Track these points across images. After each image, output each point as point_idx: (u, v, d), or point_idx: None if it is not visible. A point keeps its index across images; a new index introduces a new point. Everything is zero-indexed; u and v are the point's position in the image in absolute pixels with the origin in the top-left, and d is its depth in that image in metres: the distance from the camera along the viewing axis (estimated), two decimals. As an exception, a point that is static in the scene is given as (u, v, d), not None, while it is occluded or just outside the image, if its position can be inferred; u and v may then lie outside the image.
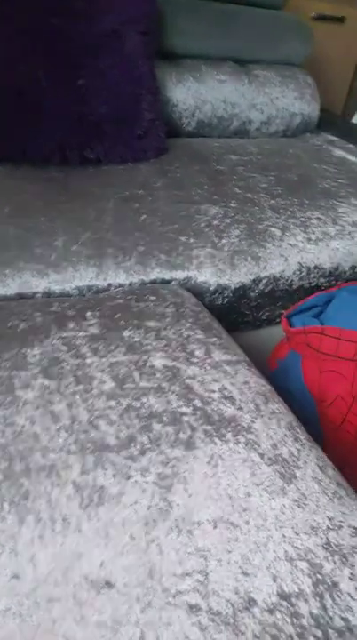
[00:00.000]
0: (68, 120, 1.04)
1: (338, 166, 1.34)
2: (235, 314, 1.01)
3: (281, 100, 1.49)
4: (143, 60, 1.15)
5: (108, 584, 0.42)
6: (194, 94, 1.37)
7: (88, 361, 0.63)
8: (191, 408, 0.59)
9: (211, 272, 0.94)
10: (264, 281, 0.99)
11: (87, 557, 0.43)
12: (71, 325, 0.69)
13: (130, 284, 0.87)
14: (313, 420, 0.79)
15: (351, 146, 1.49)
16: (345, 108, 2.26)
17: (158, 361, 0.65)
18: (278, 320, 1.09)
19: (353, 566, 0.48)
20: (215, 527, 0.48)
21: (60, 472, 0.49)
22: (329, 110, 1.85)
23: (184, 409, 0.59)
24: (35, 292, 0.79)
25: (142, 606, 0.41)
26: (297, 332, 0.82)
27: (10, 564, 0.42)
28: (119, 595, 0.41)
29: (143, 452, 0.53)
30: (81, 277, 0.83)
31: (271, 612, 0.43)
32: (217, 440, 0.56)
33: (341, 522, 0.52)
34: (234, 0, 1.46)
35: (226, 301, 0.97)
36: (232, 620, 0.42)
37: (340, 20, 2.06)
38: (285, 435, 0.60)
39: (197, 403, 0.60)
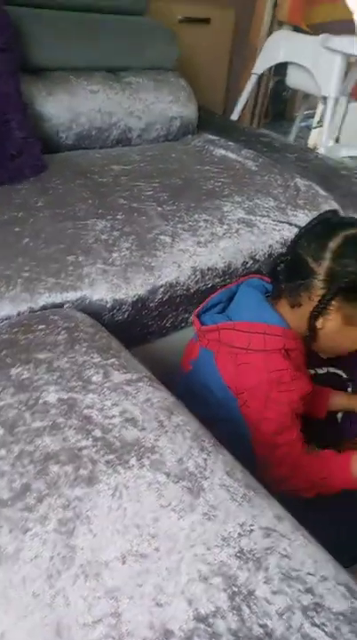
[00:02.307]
0: None
1: (220, 165, 1.38)
2: (138, 326, 1.00)
3: (157, 105, 1.50)
4: (5, 77, 1.10)
5: (11, 656, 0.39)
6: (66, 107, 1.33)
7: (-27, 409, 0.59)
8: (90, 440, 0.57)
9: (106, 288, 0.92)
10: (161, 290, 0.99)
11: (-15, 632, 0.40)
12: None
13: (18, 314, 0.82)
14: (235, 413, 0.80)
15: (230, 143, 1.54)
16: (226, 106, 2.34)
17: (51, 395, 0.62)
18: (183, 325, 1.09)
19: (267, 569, 0.48)
20: (123, 562, 0.46)
21: None
22: (210, 110, 1.90)
23: (83, 442, 0.57)
24: None
25: (51, 670, 0.39)
26: (209, 330, 0.83)
27: None
28: (24, 665, 0.39)
29: (40, 500, 0.50)
30: None
31: (189, 638, 0.42)
32: (120, 468, 0.54)
33: (252, 525, 0.52)
34: (94, 9, 1.44)
35: (126, 316, 0.96)
36: (149, 658, 0.41)
37: (206, 21, 2.13)
38: (190, 446, 0.60)
39: (97, 433, 0.58)
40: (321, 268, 0.75)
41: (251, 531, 0.52)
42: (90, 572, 0.45)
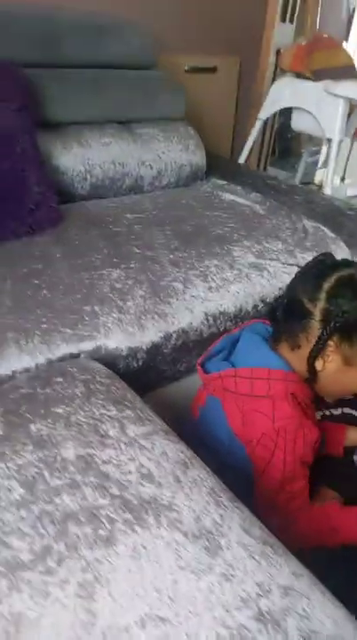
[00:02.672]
0: None
1: (229, 210, 1.42)
2: (153, 372, 1.02)
3: (167, 154, 1.56)
4: (22, 135, 1.16)
5: None
6: (81, 159, 1.39)
7: (-6, 468, 0.60)
8: (108, 499, 0.58)
9: (121, 337, 0.95)
10: (174, 336, 1.01)
11: None
12: (-27, 430, 0.65)
13: (37, 367, 0.85)
14: (242, 461, 0.80)
15: (238, 188, 1.58)
16: (233, 150, 2.41)
17: (70, 452, 0.64)
18: (196, 369, 1.11)
19: (286, 631, 0.48)
20: (143, 627, 0.46)
21: (-29, 609, 0.46)
22: (217, 154, 1.96)
23: (101, 501, 0.57)
24: None
25: None
26: (213, 378, 0.84)
27: None
28: None
29: (60, 563, 0.50)
30: (-18, 371, 0.80)
31: None
32: (138, 528, 0.55)
33: (270, 585, 0.52)
34: (106, 65, 1.52)
35: (141, 363, 0.98)
36: None
37: (212, 70, 2.22)
38: (207, 502, 0.60)
39: (114, 490, 0.59)
40: (317, 309, 0.77)
41: (269, 591, 0.52)
42: (110, 638, 0.45)
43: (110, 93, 1.51)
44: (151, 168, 1.53)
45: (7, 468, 0.60)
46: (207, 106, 2.18)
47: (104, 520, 0.55)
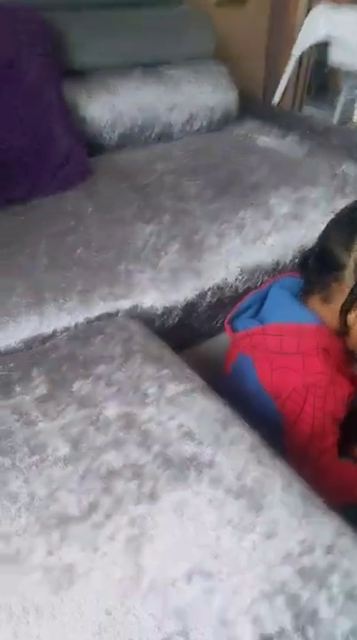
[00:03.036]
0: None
1: (263, 156, 1.35)
2: (188, 329, 1.01)
3: (198, 96, 1.48)
4: (48, 84, 1.11)
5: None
6: (108, 108, 1.33)
7: (39, 426, 0.62)
8: (151, 456, 0.59)
9: (156, 295, 0.93)
10: (209, 293, 0.99)
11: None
12: (18, 389, 0.67)
13: (76, 326, 0.85)
14: (273, 417, 0.80)
15: (273, 130, 1.49)
16: (265, 90, 2.27)
17: (112, 410, 0.65)
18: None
19: (330, 588, 0.49)
20: (189, 581, 0.48)
21: (26, 557, 0.48)
22: (250, 95, 1.85)
23: (144, 458, 0.59)
24: (-23, 357, 0.77)
25: None
26: (241, 337, 0.83)
27: None
28: None
29: (108, 517, 0.52)
30: (24, 330, 0.81)
31: (255, 657, 0.44)
32: (180, 485, 0.56)
33: (313, 542, 0.53)
34: (131, 3, 1.43)
35: (176, 320, 0.97)
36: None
37: (242, 2, 2.06)
38: (247, 460, 0.61)
39: (156, 448, 0.60)
40: (352, 259, 0.73)
41: (313, 548, 0.52)
42: (158, 590, 0.47)
43: (135, 34, 1.42)
44: (181, 112, 1.46)
45: (53, 426, 0.61)
46: (236, 43, 2.03)
47: (147, 477, 0.56)
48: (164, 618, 0.45)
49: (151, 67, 1.47)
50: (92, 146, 1.32)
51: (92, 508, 0.53)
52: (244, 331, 0.82)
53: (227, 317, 0.88)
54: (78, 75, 1.35)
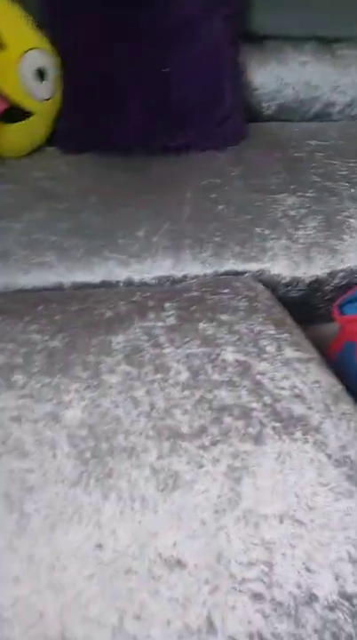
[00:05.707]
0: (153, 108, 1.06)
1: None
2: (308, 307, 1.01)
3: (367, 80, 1.41)
4: (227, 44, 1.14)
5: (180, 564, 0.46)
6: (275, 78, 1.33)
7: (165, 351, 0.67)
8: (261, 404, 0.61)
9: (286, 265, 0.94)
10: (340, 274, 0.97)
11: (161, 537, 0.47)
12: (151, 316, 0.72)
13: (205, 275, 0.89)
14: None
15: None
16: None
17: (230, 355, 0.67)
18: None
19: None
20: (281, 522, 0.50)
21: (140, 455, 0.53)
22: None
23: (254, 404, 0.61)
24: (118, 281, 0.84)
25: (210, 588, 0.45)
26: (349, 321, 0.81)
27: (94, 535, 0.47)
28: (189, 575, 0.45)
29: (214, 443, 0.56)
30: (159, 268, 0.86)
31: (332, 609, 0.45)
32: (285, 438, 0.58)
33: None
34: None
35: (299, 295, 0.97)
36: (293, 612, 0.45)
37: None
38: (354, 437, 0.60)
39: (267, 399, 0.62)
40: None
41: None
42: (250, 520, 0.50)
43: (316, 6, 1.38)
44: (345, 94, 1.41)
45: (177, 353, 0.66)
46: None
47: (255, 421, 0.59)
48: (252, 545, 0.48)
49: (325, 43, 1.43)
50: (249, 112, 1.33)
51: (202, 430, 0.57)
52: (354, 315, 0.80)
53: (337, 301, 0.86)
54: (252, 40, 1.35)
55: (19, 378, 0.61)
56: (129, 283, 0.85)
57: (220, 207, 1.00)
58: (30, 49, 1.02)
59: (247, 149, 1.19)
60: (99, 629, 0.42)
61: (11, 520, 0.47)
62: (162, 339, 0.68)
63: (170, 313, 0.73)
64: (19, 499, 0.49)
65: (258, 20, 1.33)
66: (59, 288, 0.83)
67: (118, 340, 0.68)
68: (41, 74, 1.04)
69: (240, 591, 0.45)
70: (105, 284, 0.84)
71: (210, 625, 0.43)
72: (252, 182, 1.08)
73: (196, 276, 0.88)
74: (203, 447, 0.55)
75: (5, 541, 0.46)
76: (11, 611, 0.42)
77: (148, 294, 0.77)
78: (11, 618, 0.42)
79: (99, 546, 0.46)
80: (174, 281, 0.87)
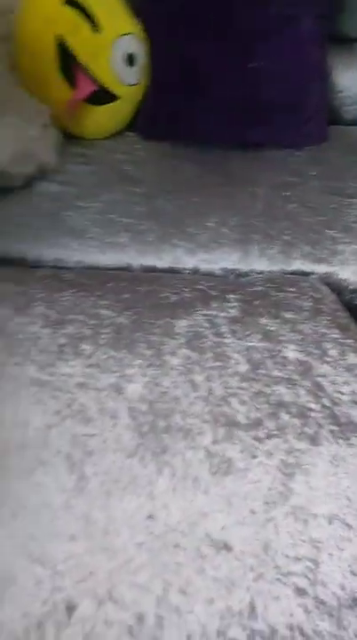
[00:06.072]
0: (237, 103, 1.06)
1: None
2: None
3: None
4: (315, 45, 1.12)
5: (227, 547, 0.47)
6: (361, 81, 1.30)
7: (226, 341, 0.67)
8: (319, 405, 0.61)
9: (354, 270, 0.92)
10: None
11: (211, 518, 0.48)
12: (214, 305, 0.73)
13: (270, 272, 0.89)
14: None
15: None
16: None
17: (291, 353, 0.67)
18: None
19: None
20: (330, 523, 0.50)
21: (195, 437, 0.55)
22: None
23: (312, 405, 0.61)
24: (184, 268, 0.85)
25: (255, 575, 0.45)
26: None
27: (147, 506, 0.48)
28: (235, 559, 0.46)
29: (269, 437, 0.56)
30: (226, 260, 0.87)
31: (375, 616, 0.45)
32: (341, 442, 0.57)
33: None
34: None
35: (362, 303, 0.95)
36: (336, 613, 0.44)
37: None
38: None
39: (326, 402, 0.61)
40: None
41: None
42: (300, 516, 0.50)
43: None
44: None
45: (238, 345, 0.66)
46: None
47: (312, 421, 0.58)
48: (299, 541, 0.48)
49: None
50: (331, 114, 1.30)
51: (258, 423, 0.57)
52: None
53: None
54: (342, 42, 1.32)
55: (86, 348, 0.63)
56: (194, 271, 0.86)
57: (293, 206, 0.99)
58: (124, 34, 1.05)
59: (326, 151, 1.17)
60: (145, 596, 0.43)
61: (71, 480, 0.49)
62: (223, 328, 0.69)
63: (233, 304, 0.74)
64: (80, 461, 0.51)
65: (349, 23, 1.30)
66: (127, 269, 0.85)
67: (181, 325, 0.69)
68: (131, 59, 1.06)
69: (284, 583, 0.45)
70: (171, 270, 0.86)
71: (252, 610, 0.43)
72: (329, 184, 1.06)
73: (262, 272, 0.88)
74: (258, 439, 0.55)
75: (64, 500, 0.48)
76: (65, 565, 0.44)
77: (212, 284, 0.78)
78: (63, 571, 0.44)
79: (151, 517, 0.48)
80: (239, 274, 0.87)
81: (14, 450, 0.51)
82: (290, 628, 0.43)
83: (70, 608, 0.42)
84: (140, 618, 0.42)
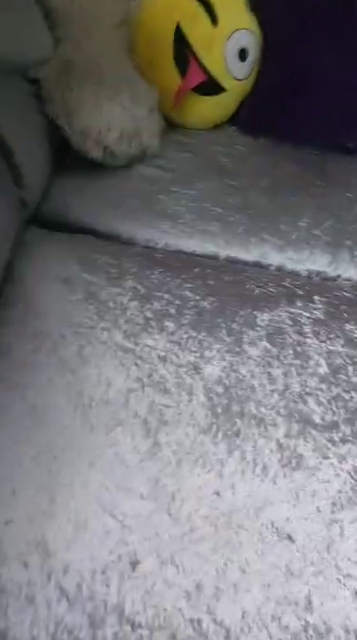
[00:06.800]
0: (342, 106, 1.04)
1: None
2: None
3: None
4: None
5: (290, 538, 0.47)
6: None
7: (308, 341, 0.67)
8: None
9: None
10: None
11: (276, 508, 0.49)
12: (299, 303, 0.73)
13: (359, 281, 0.86)
14: None
15: None
16: None
17: (375, 363, 0.66)
18: None
19: None
20: None
21: (268, 427, 0.55)
22: None
23: (392, 418, 0.59)
24: (270, 265, 0.85)
25: (314, 571, 0.45)
26: None
27: (215, 483, 0.50)
28: (297, 552, 0.46)
29: (344, 441, 0.55)
30: (314, 262, 0.85)
31: None
32: None
33: None
34: None
35: None
36: None
37: None
38: None
39: None
40: None
41: None
42: (366, 524, 0.49)
43: None
44: None
45: (320, 346, 0.65)
46: None
47: (389, 434, 0.57)
48: (363, 547, 0.47)
49: None
50: None
51: (333, 426, 0.56)
52: None
53: None
54: None
55: (170, 325, 0.65)
56: (280, 268, 0.85)
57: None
58: (240, 29, 1.06)
59: None
60: (205, 566, 0.44)
61: (146, 443, 0.51)
62: (306, 328, 0.68)
63: (318, 306, 0.73)
64: (155, 428, 0.53)
65: None
66: (213, 258, 0.86)
67: (263, 318, 0.69)
68: (243, 54, 1.07)
69: (344, 584, 0.44)
70: (256, 265, 0.86)
71: (309, 603, 0.43)
72: None
73: (349, 279, 0.86)
74: (332, 441, 0.55)
75: (138, 460, 0.50)
76: (132, 521, 0.46)
77: (299, 283, 0.77)
78: (131, 527, 0.46)
79: (217, 494, 0.49)
80: (325, 278, 0.86)
81: (96, 406, 0.54)
82: (346, 629, 0.42)
83: (134, 562, 0.44)
84: (199, 586, 0.43)
